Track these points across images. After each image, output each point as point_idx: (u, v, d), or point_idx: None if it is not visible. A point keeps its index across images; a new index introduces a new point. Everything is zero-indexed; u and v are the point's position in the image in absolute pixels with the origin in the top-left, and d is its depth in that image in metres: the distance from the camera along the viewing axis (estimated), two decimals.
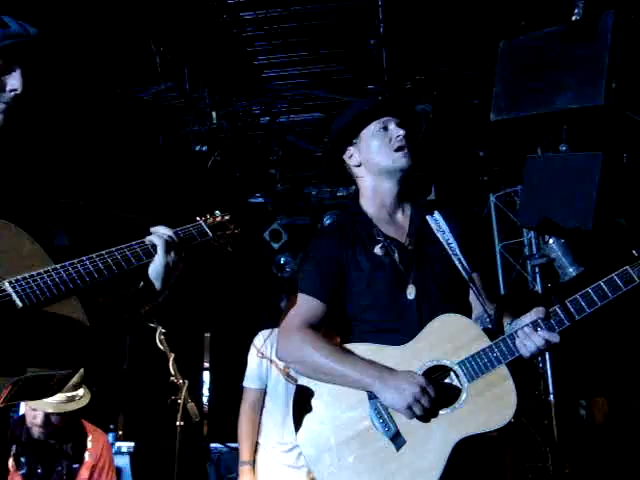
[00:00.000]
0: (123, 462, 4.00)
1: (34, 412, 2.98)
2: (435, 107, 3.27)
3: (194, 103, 4.03)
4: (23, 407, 3.18)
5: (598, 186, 3.40)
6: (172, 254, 1.87)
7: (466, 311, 2.13)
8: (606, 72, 3.20)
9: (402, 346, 2.03)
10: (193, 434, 4.13)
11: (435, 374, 1.98)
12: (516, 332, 1.96)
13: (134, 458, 4.21)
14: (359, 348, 2.06)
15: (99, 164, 4.08)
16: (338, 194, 4.53)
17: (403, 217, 2.24)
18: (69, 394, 2.94)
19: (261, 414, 3.46)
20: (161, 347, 3.09)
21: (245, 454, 3.37)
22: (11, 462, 2.96)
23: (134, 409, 4.59)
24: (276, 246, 5.02)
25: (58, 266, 1.70)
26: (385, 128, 2.21)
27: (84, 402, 3.04)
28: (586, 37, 3.19)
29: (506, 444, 3.91)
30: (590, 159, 3.52)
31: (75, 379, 2.92)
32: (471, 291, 2.14)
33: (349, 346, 2.07)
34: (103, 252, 1.82)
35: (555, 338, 1.94)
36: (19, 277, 1.62)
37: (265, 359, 3.46)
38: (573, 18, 3.19)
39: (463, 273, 2.12)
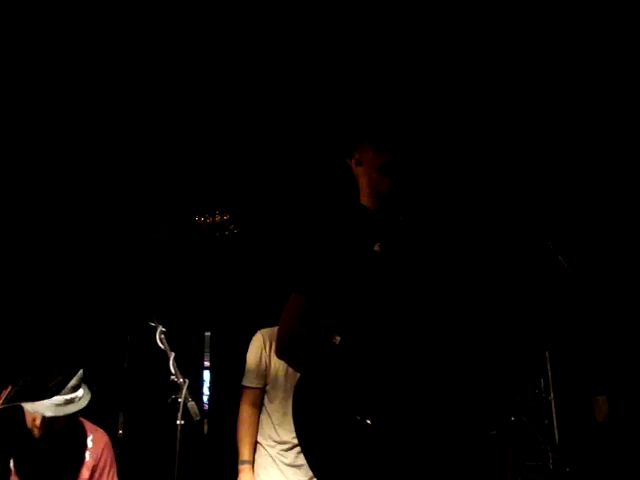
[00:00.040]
0: None
1: (34, 414, 2.97)
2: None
3: None
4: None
5: None
6: None
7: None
8: None
9: None
10: (193, 433, 4.13)
11: None
12: None
13: (134, 458, 4.22)
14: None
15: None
16: None
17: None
18: (67, 397, 2.93)
19: (260, 413, 3.46)
20: (161, 346, 3.08)
21: (245, 453, 3.38)
22: (12, 463, 2.96)
23: (134, 408, 4.59)
24: None
25: None
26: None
27: (83, 403, 3.04)
28: None
29: (506, 443, 3.90)
30: None
31: (74, 381, 2.91)
32: None
33: None
34: None
35: None
36: None
37: (264, 358, 3.46)
38: None
39: None
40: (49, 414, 2.91)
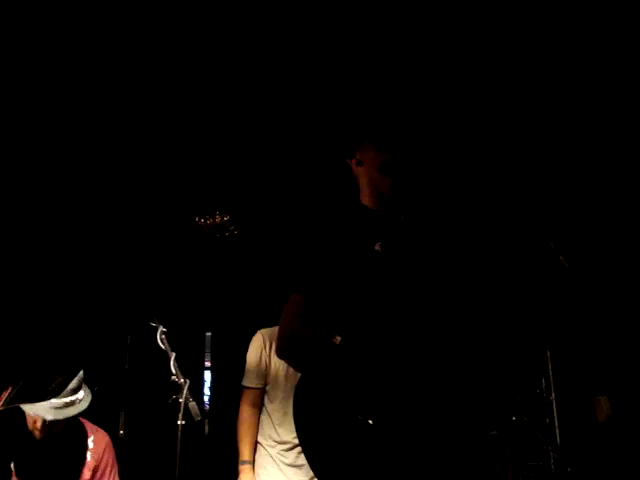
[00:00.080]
0: None
1: (35, 416, 2.97)
2: None
3: None
4: None
5: None
6: None
7: None
8: None
9: None
10: (194, 433, 4.13)
11: None
12: None
13: (135, 458, 4.22)
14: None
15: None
16: None
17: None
18: (68, 399, 2.93)
19: (260, 413, 3.46)
20: (162, 346, 3.09)
21: (245, 453, 3.37)
22: (12, 464, 2.95)
23: (135, 408, 4.59)
24: None
25: None
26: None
27: (84, 405, 3.03)
28: None
29: (507, 443, 3.90)
30: None
31: (74, 383, 2.91)
32: None
33: None
34: None
35: None
36: None
37: (264, 358, 3.46)
38: None
39: None
40: (50, 417, 2.91)
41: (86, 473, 3.13)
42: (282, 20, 3.51)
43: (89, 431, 3.22)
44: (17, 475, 2.97)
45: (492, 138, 4.16)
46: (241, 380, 3.50)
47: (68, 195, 4.04)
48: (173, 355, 3.04)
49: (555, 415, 4.24)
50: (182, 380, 2.98)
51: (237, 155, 4.33)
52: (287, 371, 3.37)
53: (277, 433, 3.37)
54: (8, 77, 3.56)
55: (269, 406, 3.42)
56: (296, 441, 3.17)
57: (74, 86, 3.76)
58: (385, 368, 1.99)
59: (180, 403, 2.92)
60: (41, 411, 2.88)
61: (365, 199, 2.24)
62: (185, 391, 2.95)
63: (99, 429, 3.28)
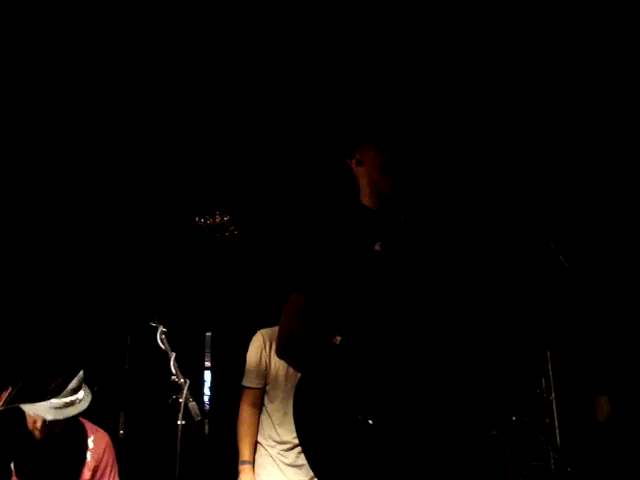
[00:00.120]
0: None
1: (35, 416, 2.97)
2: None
3: None
4: None
5: None
6: None
7: None
8: None
9: None
10: (194, 433, 4.13)
11: None
12: None
13: (135, 458, 4.22)
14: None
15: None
16: None
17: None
18: (68, 399, 2.93)
19: (260, 413, 3.46)
20: (162, 346, 3.08)
21: (245, 454, 3.37)
22: (12, 464, 2.95)
23: (135, 408, 4.59)
24: None
25: None
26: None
27: (84, 405, 3.03)
28: None
29: (507, 443, 3.90)
30: None
31: (74, 383, 2.91)
32: None
33: None
34: None
35: None
36: None
37: (264, 358, 3.46)
38: None
39: None
40: (50, 417, 2.91)
41: (86, 473, 3.13)
42: (282, 21, 3.51)
43: (89, 431, 3.22)
44: (17, 475, 2.97)
45: (492, 138, 4.16)
46: (241, 380, 3.50)
47: (68, 195, 4.04)
48: (173, 355, 3.04)
49: (555, 415, 4.24)
50: (182, 380, 2.98)
51: (237, 155, 4.33)
52: (287, 371, 3.37)
53: (277, 433, 3.37)
54: (8, 77, 3.56)
55: (269, 406, 3.42)
56: (296, 441, 3.16)
57: (74, 87, 3.76)
58: (385, 368, 1.99)
59: (180, 403, 2.92)
60: (41, 411, 2.88)
61: (365, 199, 2.24)
62: (185, 391, 2.95)
63: (99, 429, 3.28)
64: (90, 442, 3.19)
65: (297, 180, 4.44)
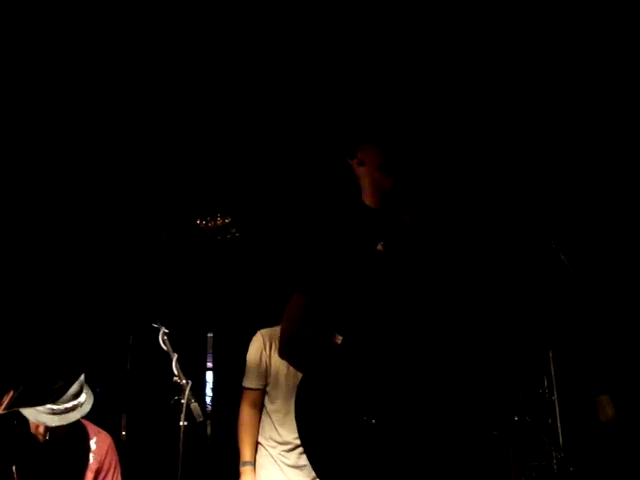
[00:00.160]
0: None
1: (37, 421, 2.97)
2: None
3: None
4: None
5: None
6: None
7: None
8: None
9: None
10: (196, 434, 4.13)
11: None
12: None
13: (137, 459, 4.22)
14: None
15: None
16: None
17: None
18: (70, 404, 2.92)
19: (261, 414, 3.45)
20: (164, 347, 3.09)
21: (246, 454, 3.36)
22: (14, 468, 2.95)
23: (137, 409, 4.59)
24: None
25: None
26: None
27: (86, 408, 3.03)
28: None
29: (510, 443, 3.90)
30: None
31: (75, 388, 2.91)
32: None
33: None
34: None
35: None
36: None
37: (264, 358, 3.46)
38: None
39: None
40: (53, 424, 2.91)
41: (89, 475, 3.13)
42: (283, 21, 3.51)
43: (91, 433, 3.22)
44: (19, 478, 2.97)
45: (494, 138, 4.16)
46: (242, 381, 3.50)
47: (70, 198, 4.04)
48: (175, 356, 3.04)
49: (557, 415, 4.24)
50: (184, 381, 2.98)
51: (238, 157, 4.33)
52: (287, 371, 3.37)
53: (278, 434, 3.36)
54: (8, 77, 3.56)
55: (270, 407, 3.42)
56: (297, 442, 3.16)
57: (75, 88, 3.76)
58: (387, 368, 1.99)
59: (182, 404, 2.92)
60: (43, 417, 2.88)
61: (367, 199, 2.24)
62: (187, 392, 2.95)
63: (101, 431, 3.28)
64: (92, 444, 3.19)
65: (298, 181, 4.44)
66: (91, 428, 3.23)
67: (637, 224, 4.21)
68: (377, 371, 1.99)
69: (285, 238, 4.30)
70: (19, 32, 3.40)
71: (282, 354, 2.19)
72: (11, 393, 1.55)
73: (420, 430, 1.94)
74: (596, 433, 4.18)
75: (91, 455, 3.16)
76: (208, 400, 5.07)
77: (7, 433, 2.97)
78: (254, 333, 3.59)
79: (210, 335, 5.17)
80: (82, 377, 2.97)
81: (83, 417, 3.10)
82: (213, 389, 5.09)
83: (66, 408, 2.92)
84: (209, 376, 5.14)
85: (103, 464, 3.18)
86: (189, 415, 2.93)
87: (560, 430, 4.22)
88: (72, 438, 3.11)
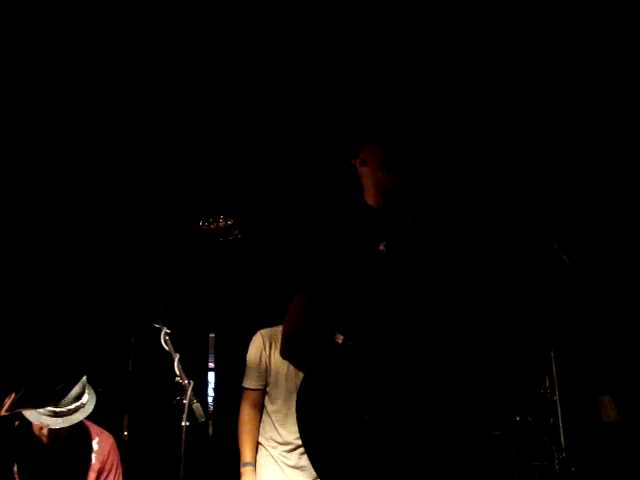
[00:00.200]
0: None
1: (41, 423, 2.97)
2: None
3: None
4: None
5: None
6: None
7: None
8: None
9: None
10: (198, 435, 4.13)
11: None
12: None
13: (139, 459, 4.22)
14: None
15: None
16: None
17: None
18: (72, 406, 2.93)
19: (262, 414, 3.45)
20: (166, 347, 3.08)
21: (247, 455, 3.36)
22: (16, 468, 2.96)
23: (139, 410, 4.59)
24: None
25: None
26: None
27: (89, 409, 3.04)
28: None
29: (511, 443, 3.90)
30: None
31: (77, 389, 2.92)
32: None
33: None
34: None
35: None
36: None
37: (264, 358, 3.45)
38: None
39: None
40: (57, 426, 2.92)
41: (91, 475, 3.13)
42: (286, 22, 3.51)
43: (94, 433, 3.22)
44: (21, 478, 2.97)
45: (495, 138, 4.16)
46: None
47: (71, 200, 4.04)
48: (177, 356, 3.04)
49: (559, 415, 4.24)
50: (186, 381, 2.98)
51: (241, 158, 4.33)
52: (288, 371, 3.36)
53: (279, 434, 3.36)
54: (9, 77, 3.56)
55: (270, 407, 3.41)
56: (298, 442, 3.16)
57: (77, 90, 3.76)
58: (389, 369, 1.99)
59: (184, 404, 2.92)
60: (47, 419, 2.89)
61: (369, 199, 2.24)
62: (189, 392, 2.95)
63: (104, 431, 3.28)
64: (95, 444, 3.20)
65: (301, 181, 4.44)
66: (93, 428, 3.24)
67: (638, 224, 4.21)
68: (379, 371, 1.99)
69: (287, 239, 4.29)
70: (19, 32, 3.40)
71: (284, 354, 2.19)
72: (13, 395, 1.55)
73: (421, 431, 1.94)
74: (598, 433, 4.17)
75: (93, 455, 3.17)
76: (210, 400, 5.07)
77: (9, 434, 2.98)
78: (255, 333, 3.59)
79: (212, 335, 5.17)
80: (84, 378, 2.97)
81: (86, 418, 3.11)
82: (215, 389, 5.09)
83: (69, 410, 2.93)
84: (211, 376, 5.13)
85: (105, 464, 3.19)
86: (191, 415, 2.93)
87: (562, 430, 4.22)
88: (74, 439, 3.12)
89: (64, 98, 3.79)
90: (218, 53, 3.73)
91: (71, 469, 3.10)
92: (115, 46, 3.59)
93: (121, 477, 3.27)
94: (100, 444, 3.21)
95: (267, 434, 3.39)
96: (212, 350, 5.15)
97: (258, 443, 3.42)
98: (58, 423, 2.91)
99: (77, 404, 2.97)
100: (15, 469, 2.96)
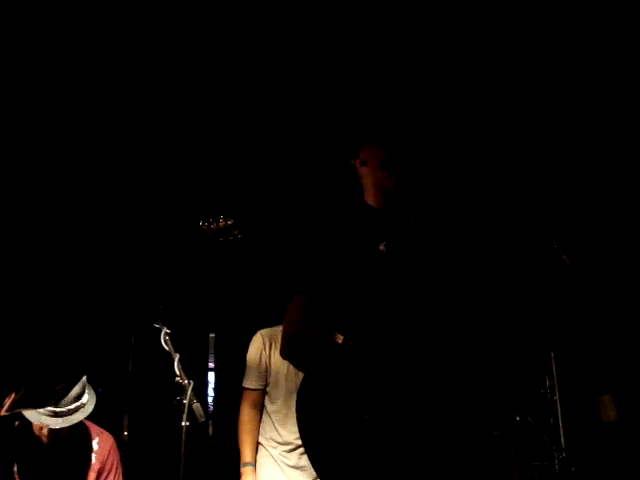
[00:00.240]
0: None
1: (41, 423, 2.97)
2: None
3: None
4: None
5: None
6: None
7: None
8: None
9: None
10: (198, 434, 4.13)
11: None
12: None
13: (139, 460, 4.22)
14: None
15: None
16: None
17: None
18: (72, 406, 2.93)
19: (262, 414, 3.45)
20: (166, 347, 3.09)
21: (247, 455, 3.36)
22: (16, 468, 2.96)
23: (139, 410, 4.59)
24: None
25: None
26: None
27: (89, 409, 3.04)
28: None
29: (511, 443, 3.90)
30: None
31: (77, 389, 2.92)
32: None
33: None
34: None
35: None
36: None
37: (264, 358, 3.45)
38: None
39: None
40: (57, 426, 2.92)
41: (91, 475, 3.13)
42: (287, 22, 3.51)
43: (94, 433, 3.22)
44: (22, 478, 2.97)
45: (495, 138, 4.16)
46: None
47: (72, 200, 4.04)
48: (177, 356, 3.04)
49: (559, 415, 4.24)
50: (186, 381, 2.98)
51: (241, 158, 4.33)
52: (288, 371, 3.36)
53: (279, 434, 3.36)
54: (10, 78, 3.56)
55: (270, 407, 3.41)
56: (298, 442, 3.16)
57: (79, 92, 3.76)
58: (389, 369, 1.99)
59: (184, 404, 2.92)
60: (47, 420, 2.89)
61: (370, 199, 2.24)
62: (189, 392, 2.95)
63: (104, 431, 3.29)
64: (95, 444, 3.20)
65: (301, 181, 4.44)
66: (93, 428, 3.24)
67: (638, 224, 4.21)
68: (379, 372, 1.99)
69: (287, 239, 4.29)
70: (19, 32, 3.40)
71: (284, 354, 2.19)
72: (13, 395, 1.55)
73: (422, 431, 1.93)
74: (598, 433, 4.17)
75: (93, 455, 3.17)
76: (210, 400, 5.07)
77: (9, 434, 2.98)
78: (255, 333, 3.59)
79: (212, 335, 5.17)
80: (84, 378, 2.97)
81: (86, 418, 3.11)
82: (215, 389, 5.08)
83: (69, 410, 2.93)
84: (211, 376, 5.13)
85: (105, 464, 3.19)
86: (191, 415, 2.93)
87: (562, 430, 4.21)
88: (75, 438, 3.12)
89: (67, 100, 3.79)
90: (219, 54, 3.73)
91: (71, 469, 3.10)
92: (117, 47, 3.59)
93: (121, 477, 3.27)
94: (100, 444, 3.21)
95: (267, 434, 3.39)
96: (212, 350, 5.14)
97: (258, 443, 3.42)
98: (58, 423, 2.91)
99: (77, 404, 2.97)
100: (15, 469, 2.96)
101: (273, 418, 3.38)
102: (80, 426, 3.13)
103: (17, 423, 3.02)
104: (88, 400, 3.06)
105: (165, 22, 3.49)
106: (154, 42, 3.60)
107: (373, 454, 1.92)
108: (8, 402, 1.55)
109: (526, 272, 4.06)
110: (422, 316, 2.06)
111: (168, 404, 2.99)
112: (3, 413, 1.61)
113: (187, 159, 4.28)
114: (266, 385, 3.44)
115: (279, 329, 2.89)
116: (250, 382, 3.44)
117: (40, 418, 2.88)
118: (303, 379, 2.11)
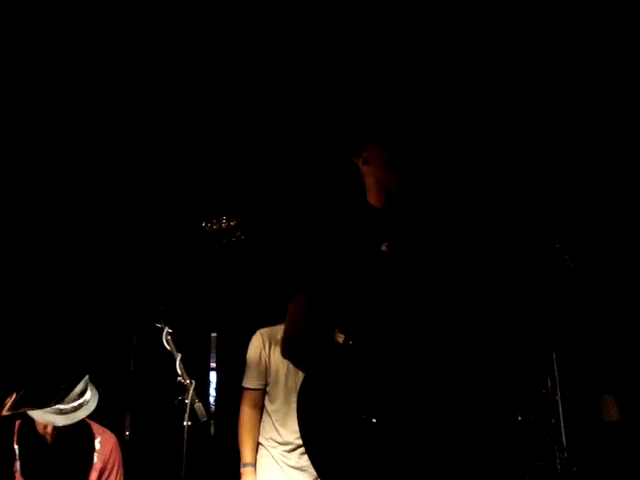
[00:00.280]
0: None
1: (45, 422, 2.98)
2: None
3: None
4: None
5: None
6: None
7: None
8: None
9: None
10: (200, 434, 4.13)
11: None
12: None
13: (141, 459, 4.22)
14: None
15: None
16: None
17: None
18: (75, 403, 2.94)
19: (262, 414, 3.45)
20: (168, 347, 3.09)
21: (247, 456, 3.36)
22: (18, 466, 2.96)
23: (141, 410, 4.59)
24: None
25: None
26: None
27: (92, 406, 3.05)
28: None
29: (513, 443, 3.90)
30: None
31: (80, 387, 2.92)
32: None
33: None
34: None
35: None
36: None
37: (264, 358, 3.45)
38: None
39: None
40: (61, 424, 2.92)
41: (93, 474, 3.14)
42: (288, 22, 3.51)
43: (96, 432, 3.23)
44: (24, 476, 2.98)
45: (498, 138, 4.16)
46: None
47: (74, 201, 4.05)
48: (179, 356, 3.05)
49: (561, 415, 4.24)
50: (188, 381, 2.99)
51: (243, 159, 4.33)
52: (287, 371, 3.36)
53: (279, 434, 3.35)
54: (10, 78, 3.57)
55: (270, 407, 3.41)
56: (299, 442, 3.16)
57: (80, 92, 3.76)
58: (391, 368, 1.99)
59: (186, 404, 2.93)
60: (51, 417, 2.90)
61: (372, 198, 2.24)
62: (191, 392, 2.95)
63: (106, 430, 3.29)
64: (97, 443, 3.20)
65: (303, 181, 4.44)
66: (96, 428, 3.24)
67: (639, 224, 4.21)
68: (380, 371, 1.99)
69: (289, 240, 4.30)
70: (19, 33, 3.40)
71: (284, 354, 2.19)
72: (14, 395, 1.56)
73: (423, 430, 1.94)
74: (599, 433, 4.17)
75: (95, 454, 3.17)
76: (212, 400, 5.07)
77: (9, 434, 2.99)
78: (255, 333, 3.58)
79: (214, 335, 5.16)
80: (87, 377, 2.98)
81: (88, 417, 3.11)
82: (217, 389, 5.08)
83: (73, 407, 2.94)
84: (213, 376, 5.13)
85: (107, 463, 3.19)
86: (193, 415, 2.93)
87: (563, 430, 4.22)
88: (77, 438, 3.12)
89: (68, 100, 3.79)
90: (221, 55, 3.73)
91: (73, 468, 3.11)
92: (118, 48, 3.59)
93: (123, 477, 3.28)
94: (102, 443, 3.21)
95: (267, 434, 3.39)
96: (214, 350, 5.14)
97: (258, 443, 3.42)
98: (62, 420, 2.92)
99: (80, 401, 2.98)
100: (18, 468, 2.97)
101: (273, 418, 3.38)
102: (82, 425, 3.14)
103: (20, 422, 3.03)
104: (91, 397, 3.06)
105: (168, 23, 3.49)
106: (157, 43, 3.61)
107: (374, 454, 1.92)
108: (9, 402, 1.56)
109: (528, 272, 4.06)
110: (424, 316, 2.07)
111: (170, 404, 3.00)
112: (4, 413, 1.61)
113: (190, 160, 4.29)
114: (266, 385, 3.44)
115: (279, 328, 2.89)
116: (250, 382, 3.44)
117: (44, 416, 2.88)
118: (304, 379, 2.11)
